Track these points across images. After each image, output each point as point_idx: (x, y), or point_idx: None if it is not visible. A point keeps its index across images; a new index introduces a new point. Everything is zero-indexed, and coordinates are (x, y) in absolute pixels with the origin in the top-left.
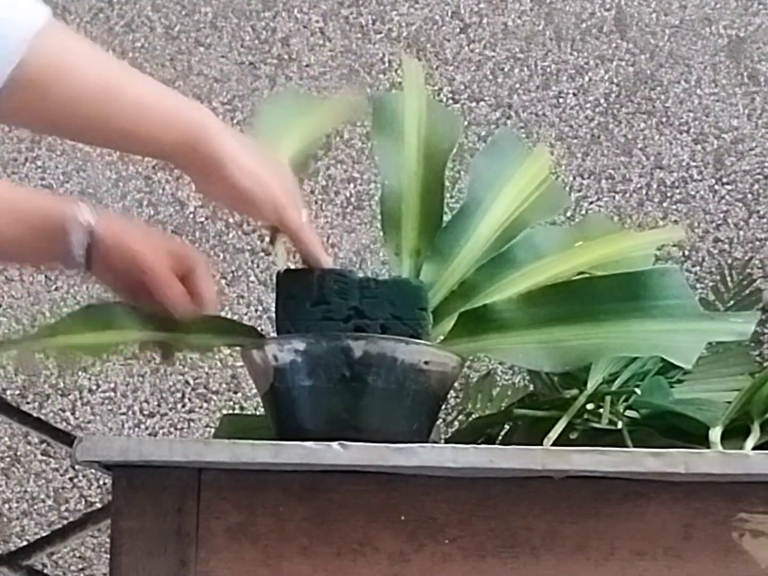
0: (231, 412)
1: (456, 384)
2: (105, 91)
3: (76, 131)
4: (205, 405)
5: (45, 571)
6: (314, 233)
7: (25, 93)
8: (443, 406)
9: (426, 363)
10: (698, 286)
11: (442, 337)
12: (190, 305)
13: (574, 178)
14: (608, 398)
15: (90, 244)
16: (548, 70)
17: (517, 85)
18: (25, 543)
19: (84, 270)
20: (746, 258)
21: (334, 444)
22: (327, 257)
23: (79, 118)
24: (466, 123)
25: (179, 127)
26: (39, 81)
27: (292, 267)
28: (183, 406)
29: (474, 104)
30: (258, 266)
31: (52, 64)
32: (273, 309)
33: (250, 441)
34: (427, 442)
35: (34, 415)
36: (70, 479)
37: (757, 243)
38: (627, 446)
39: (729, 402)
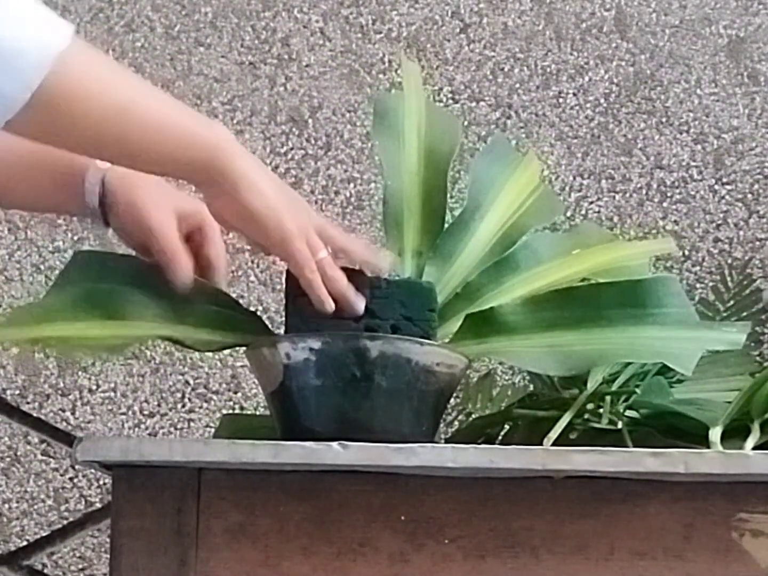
0: (231, 412)
1: None
2: (126, 112)
3: (95, 149)
4: (205, 405)
5: (45, 571)
6: (333, 269)
7: (48, 115)
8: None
9: (437, 364)
10: (698, 286)
11: (447, 339)
12: (192, 277)
13: (574, 178)
14: (608, 398)
15: (102, 193)
16: (548, 70)
17: (517, 85)
18: (25, 543)
19: (100, 222)
20: (746, 258)
21: (334, 444)
22: (330, 304)
23: (100, 137)
24: (466, 123)
25: (196, 146)
26: (61, 104)
27: None
28: (183, 406)
29: (474, 104)
30: (258, 266)
31: (74, 87)
32: (273, 309)
33: (250, 441)
34: (432, 442)
35: (34, 415)
36: (70, 479)
37: (757, 243)
38: (627, 446)
39: (729, 402)
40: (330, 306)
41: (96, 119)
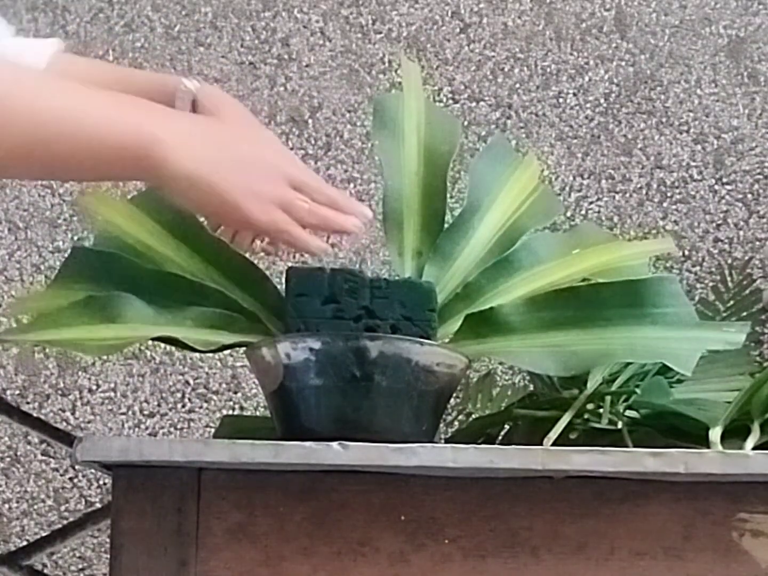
0: (231, 412)
1: None
2: (42, 128)
3: (24, 170)
4: (205, 405)
5: (45, 571)
6: (314, 216)
7: None
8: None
9: (437, 364)
10: (698, 286)
11: (447, 339)
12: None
13: (574, 178)
14: (608, 398)
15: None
16: (548, 70)
17: (517, 85)
18: (25, 543)
19: None
20: (746, 258)
21: (334, 444)
22: (324, 246)
23: (23, 158)
24: (466, 123)
25: (125, 151)
26: None
27: (302, 264)
28: (183, 406)
29: (474, 104)
30: None
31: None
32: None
33: (250, 441)
34: (432, 442)
35: (34, 415)
36: (70, 479)
37: (757, 243)
38: (627, 446)
39: (729, 402)
40: (324, 248)
41: (12, 140)
